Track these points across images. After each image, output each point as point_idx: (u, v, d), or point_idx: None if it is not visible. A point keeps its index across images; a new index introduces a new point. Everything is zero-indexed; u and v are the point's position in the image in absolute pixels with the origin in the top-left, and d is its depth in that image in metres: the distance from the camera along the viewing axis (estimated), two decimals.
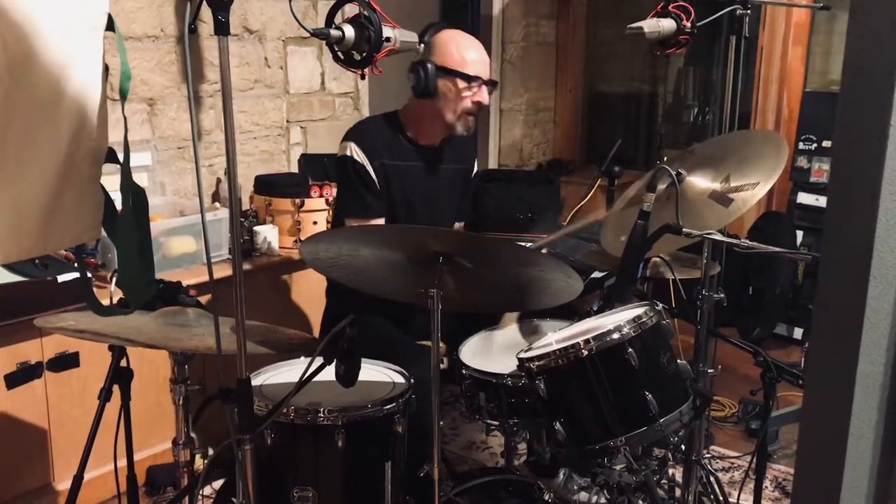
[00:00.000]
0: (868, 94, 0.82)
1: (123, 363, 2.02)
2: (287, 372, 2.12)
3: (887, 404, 0.85)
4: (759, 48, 4.36)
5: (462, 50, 2.46)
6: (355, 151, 2.47)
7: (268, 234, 3.19)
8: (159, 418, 2.75)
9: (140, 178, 3.10)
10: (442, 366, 2.26)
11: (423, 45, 2.44)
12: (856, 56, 0.84)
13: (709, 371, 2.24)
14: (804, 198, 4.06)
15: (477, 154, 2.87)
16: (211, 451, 2.33)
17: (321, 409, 1.89)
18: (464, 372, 2.09)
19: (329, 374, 1.69)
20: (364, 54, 1.69)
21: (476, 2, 4.90)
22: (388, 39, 1.72)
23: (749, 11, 2.31)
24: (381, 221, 2.50)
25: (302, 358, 2.16)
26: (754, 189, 1.90)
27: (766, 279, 4.03)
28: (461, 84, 2.44)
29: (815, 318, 0.90)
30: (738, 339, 2.29)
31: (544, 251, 2.48)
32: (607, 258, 2.27)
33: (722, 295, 2.23)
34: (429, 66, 2.40)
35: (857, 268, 0.83)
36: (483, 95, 2.48)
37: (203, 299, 2.14)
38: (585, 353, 1.77)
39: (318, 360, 1.66)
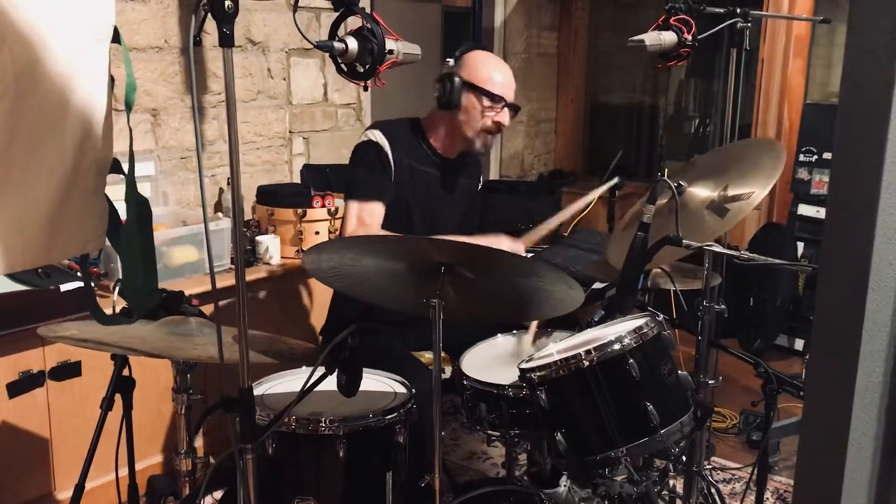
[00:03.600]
0: (866, 107, 0.83)
1: (126, 372, 2.03)
2: (289, 381, 2.13)
3: (886, 415, 0.85)
4: (760, 60, 4.38)
5: (490, 70, 2.51)
6: (379, 138, 2.49)
7: (270, 243, 3.20)
8: (161, 428, 2.76)
9: (143, 188, 3.10)
10: (444, 375, 2.26)
11: (454, 60, 2.52)
12: (854, 69, 0.84)
13: (710, 382, 2.24)
14: (805, 209, 4.07)
15: (482, 171, 2.90)
16: (212, 461, 2.33)
17: (323, 419, 1.89)
18: (465, 382, 2.09)
19: (331, 383, 1.69)
20: (367, 66, 1.71)
21: (478, 13, 4.92)
22: (390, 52, 1.73)
23: (750, 24, 2.32)
24: (383, 208, 2.45)
25: (304, 367, 2.16)
26: (749, 199, 1.91)
27: (767, 290, 4.03)
28: (485, 102, 2.49)
29: (814, 330, 0.90)
30: (739, 350, 2.29)
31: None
32: (608, 269, 2.28)
33: (723, 306, 2.24)
34: (456, 78, 2.46)
35: (855, 279, 0.84)
36: (504, 117, 2.53)
37: (205, 309, 2.14)
38: (587, 363, 1.77)
39: (320, 370, 1.66)
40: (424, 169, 2.58)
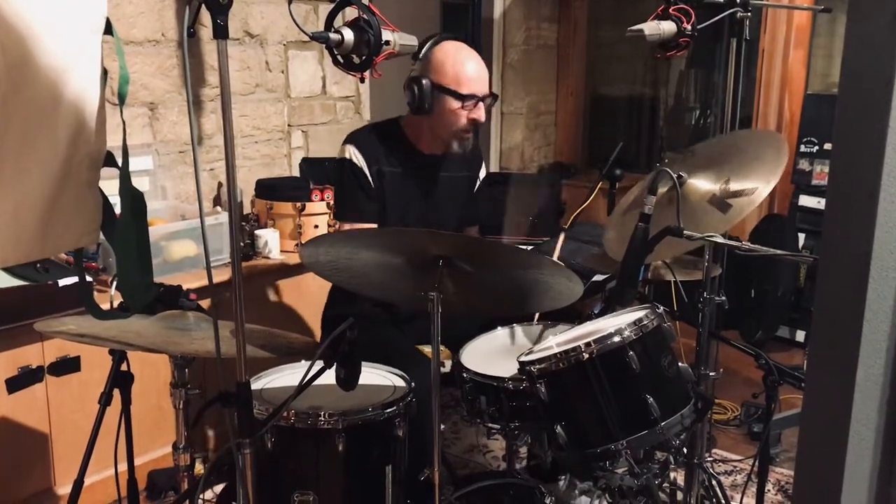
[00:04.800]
0: (866, 97, 0.82)
1: (124, 367, 2.03)
2: (288, 376, 2.12)
3: (887, 407, 0.85)
4: (761, 51, 4.36)
5: (457, 66, 2.38)
6: (353, 154, 2.47)
7: (269, 237, 3.19)
8: (160, 422, 2.75)
9: (141, 182, 3.10)
10: (444, 369, 2.26)
11: (418, 61, 2.38)
12: (853, 58, 0.83)
13: (710, 374, 2.24)
14: (806, 200, 4.06)
15: (483, 160, 2.82)
16: (212, 455, 2.32)
17: (322, 413, 1.88)
18: (464, 375, 2.09)
19: (330, 377, 1.69)
20: (363, 58, 1.70)
21: (477, 5, 4.90)
22: (387, 43, 1.72)
23: (750, 14, 2.30)
24: (375, 226, 2.49)
25: (302, 361, 2.15)
26: (752, 195, 1.90)
27: (768, 282, 4.03)
28: (455, 104, 2.39)
29: (814, 321, 0.90)
30: (739, 341, 2.28)
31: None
32: (608, 261, 2.27)
33: (724, 298, 2.23)
34: (424, 82, 2.35)
35: (855, 270, 0.83)
36: (479, 113, 2.42)
37: (204, 303, 2.14)
38: (586, 356, 1.76)
39: (319, 364, 1.65)
40: (408, 171, 2.53)
